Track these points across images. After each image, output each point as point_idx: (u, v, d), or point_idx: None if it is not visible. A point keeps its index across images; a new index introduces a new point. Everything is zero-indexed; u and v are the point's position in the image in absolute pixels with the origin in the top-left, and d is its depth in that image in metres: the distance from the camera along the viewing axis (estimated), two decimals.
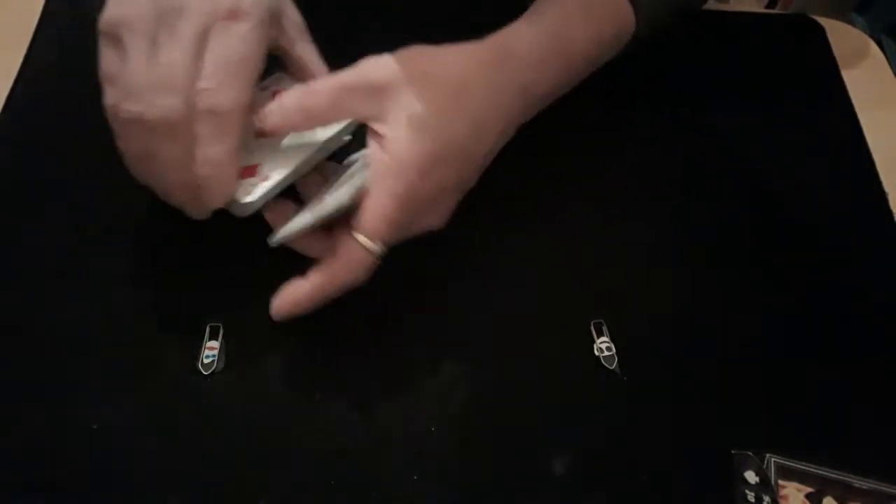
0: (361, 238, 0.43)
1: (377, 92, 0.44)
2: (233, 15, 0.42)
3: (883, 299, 0.51)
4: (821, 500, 0.43)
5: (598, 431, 0.46)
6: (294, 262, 0.45)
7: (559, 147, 0.55)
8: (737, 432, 0.45)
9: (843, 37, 0.65)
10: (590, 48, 0.52)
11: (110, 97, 0.42)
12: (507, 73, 0.48)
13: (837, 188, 0.56)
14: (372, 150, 0.44)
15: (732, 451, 0.45)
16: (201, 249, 0.50)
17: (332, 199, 0.44)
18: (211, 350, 0.47)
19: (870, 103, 0.60)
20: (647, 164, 0.57)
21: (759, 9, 0.71)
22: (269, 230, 0.46)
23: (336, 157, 0.48)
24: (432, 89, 0.45)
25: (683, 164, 0.57)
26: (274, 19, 0.45)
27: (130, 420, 0.44)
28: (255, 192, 0.45)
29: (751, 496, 0.43)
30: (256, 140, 0.45)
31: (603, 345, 0.48)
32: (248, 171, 0.45)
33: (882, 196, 0.55)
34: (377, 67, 0.44)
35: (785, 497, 0.43)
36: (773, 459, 0.44)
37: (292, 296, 0.45)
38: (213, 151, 0.42)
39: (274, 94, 0.48)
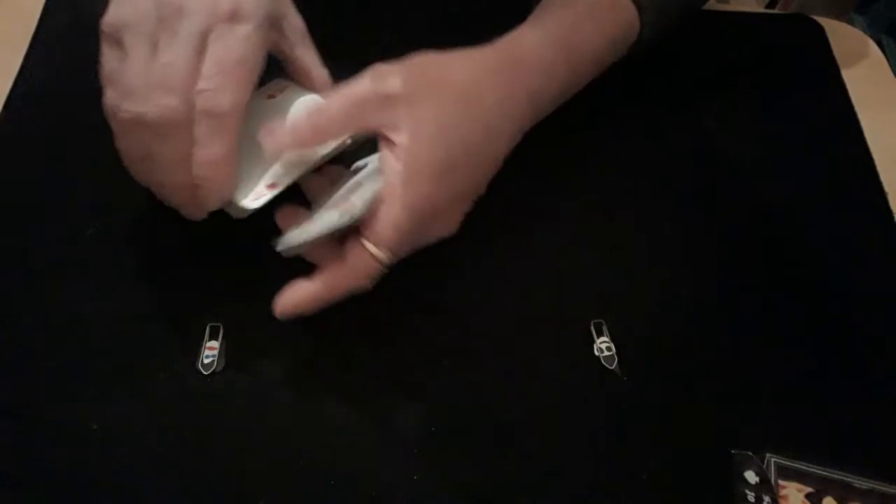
0: (371, 246, 0.43)
1: (389, 102, 0.43)
2: (233, 17, 0.42)
3: (883, 299, 0.51)
4: (821, 500, 0.43)
5: (598, 431, 0.46)
6: (294, 261, 0.45)
7: (559, 147, 0.55)
8: (737, 432, 0.45)
9: (843, 37, 0.65)
10: (596, 52, 0.52)
11: (110, 97, 0.42)
12: (517, 79, 0.48)
13: (837, 188, 0.56)
14: (384, 158, 0.44)
15: (732, 451, 0.45)
16: (201, 249, 0.50)
17: (343, 210, 0.43)
18: (211, 350, 0.47)
19: (870, 103, 0.60)
20: (648, 164, 0.57)
21: (759, 9, 0.71)
22: (270, 230, 0.45)
23: (339, 159, 0.48)
24: (444, 98, 0.45)
25: (683, 164, 0.57)
26: (274, 23, 0.45)
27: (130, 420, 0.44)
28: (259, 199, 0.45)
29: (751, 496, 0.43)
30: (256, 140, 0.45)
31: (603, 345, 0.48)
32: (252, 179, 0.45)
33: (882, 196, 0.55)
34: (387, 77, 0.44)
35: (785, 497, 0.43)
36: (773, 459, 0.44)
37: (296, 297, 0.45)
38: (210, 152, 0.42)
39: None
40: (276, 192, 0.45)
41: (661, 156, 0.57)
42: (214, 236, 0.50)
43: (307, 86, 0.49)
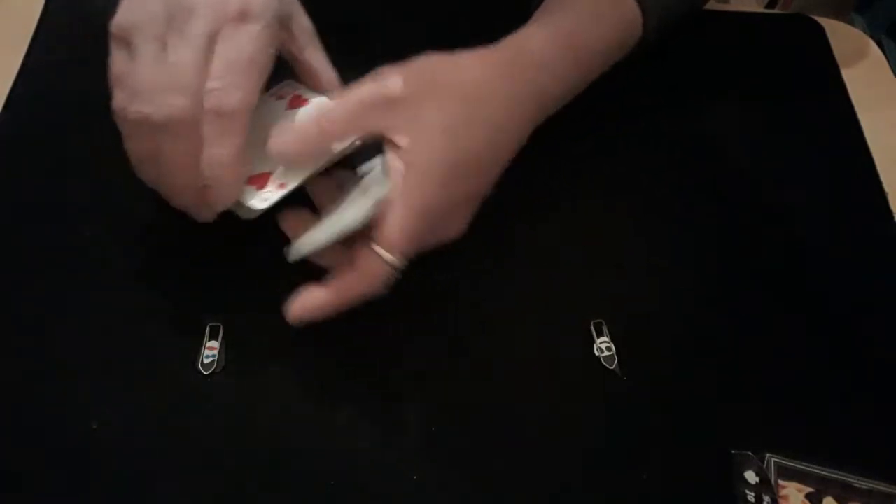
0: (382, 251, 0.43)
1: (394, 105, 0.43)
2: (242, 17, 0.42)
3: (883, 299, 0.51)
4: (821, 500, 0.43)
5: (598, 431, 0.46)
6: (295, 262, 0.45)
7: (559, 147, 0.55)
8: (737, 432, 0.45)
9: (843, 37, 0.65)
10: (601, 51, 0.52)
11: (119, 98, 0.42)
12: (523, 79, 0.48)
13: (837, 188, 0.56)
14: (391, 161, 0.44)
15: (732, 451, 0.45)
16: (201, 250, 0.50)
17: (352, 214, 0.43)
18: (211, 350, 0.47)
19: (870, 103, 0.60)
20: (648, 164, 0.57)
21: (759, 9, 0.71)
22: (270, 231, 0.46)
23: (345, 162, 0.48)
24: (450, 99, 0.45)
25: (683, 164, 0.57)
26: (283, 23, 0.45)
27: (130, 420, 0.44)
28: (268, 199, 0.45)
29: (751, 496, 0.43)
30: (265, 142, 0.45)
31: (603, 345, 0.48)
32: (260, 180, 0.45)
33: (882, 196, 0.55)
34: (391, 80, 0.44)
35: (785, 497, 0.43)
36: (773, 459, 0.44)
37: (308, 304, 0.44)
38: (219, 152, 0.42)
39: (292, 102, 0.48)
40: (284, 192, 0.45)
41: (660, 156, 0.57)
42: (215, 236, 0.50)
43: (316, 87, 0.49)
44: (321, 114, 0.44)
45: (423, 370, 0.47)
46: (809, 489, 0.43)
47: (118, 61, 0.42)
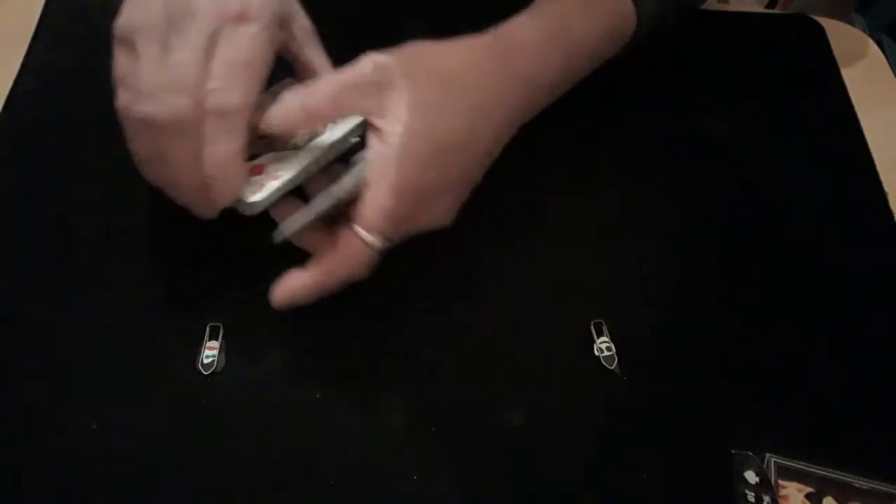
0: (360, 231, 0.43)
1: (376, 87, 0.44)
2: (241, 17, 0.42)
3: (883, 299, 0.51)
4: (821, 500, 0.43)
5: (598, 431, 0.46)
6: (294, 262, 0.45)
7: (559, 147, 0.55)
8: (737, 432, 0.45)
9: (843, 37, 0.65)
10: (591, 41, 0.52)
11: (122, 98, 0.43)
12: (508, 64, 0.48)
13: (837, 188, 0.56)
14: (371, 143, 0.44)
15: (732, 451, 0.45)
16: (201, 249, 0.50)
17: (333, 191, 0.44)
18: (211, 350, 0.47)
19: (870, 103, 0.60)
20: (647, 164, 0.57)
21: (759, 9, 0.71)
22: (270, 230, 0.45)
23: (344, 160, 0.48)
24: (430, 82, 0.45)
25: (683, 164, 0.57)
26: (283, 23, 0.46)
27: (130, 420, 0.44)
28: (263, 191, 0.45)
29: (751, 496, 0.43)
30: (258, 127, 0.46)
31: (603, 345, 0.48)
32: (256, 170, 0.45)
33: (882, 196, 0.55)
34: (375, 63, 0.44)
35: (785, 497, 0.43)
36: (773, 459, 0.44)
37: (290, 286, 0.45)
38: (220, 150, 0.42)
39: None
40: (280, 182, 0.46)
41: (660, 156, 0.57)
42: (215, 236, 0.50)
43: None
44: (305, 92, 0.45)
45: (424, 370, 0.47)
46: (809, 489, 0.43)
47: (122, 62, 0.43)
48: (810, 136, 0.59)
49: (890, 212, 0.55)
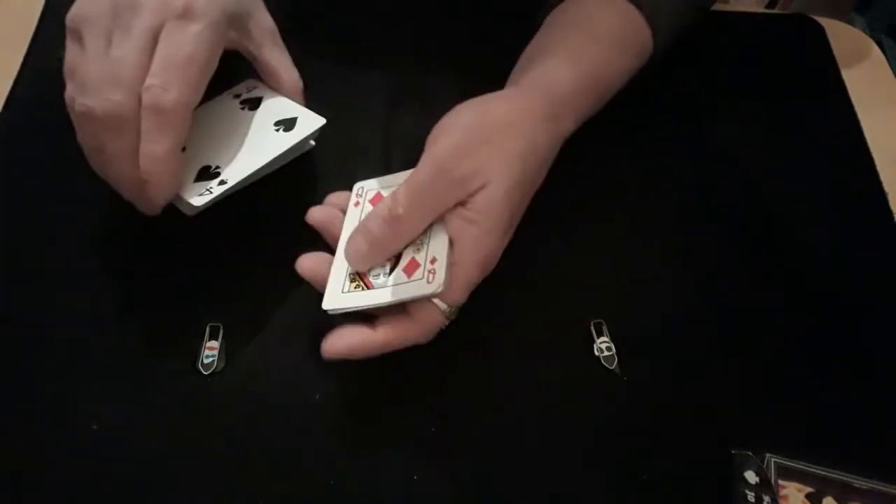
0: (442, 304, 0.43)
1: (461, 183, 0.43)
2: (185, 14, 0.42)
3: (883, 299, 0.51)
4: (821, 500, 0.43)
5: (598, 431, 0.46)
6: (294, 261, 0.45)
7: (559, 147, 0.55)
8: (737, 432, 0.45)
9: (843, 37, 0.65)
10: (620, 82, 0.53)
11: (69, 90, 0.43)
12: (560, 122, 0.49)
13: (837, 188, 0.56)
14: (453, 223, 0.44)
15: (732, 451, 0.45)
16: (201, 250, 0.50)
17: (427, 287, 0.42)
18: (211, 350, 0.47)
19: (870, 103, 0.60)
20: (647, 164, 0.57)
21: (759, 9, 0.71)
22: (271, 231, 0.46)
23: (302, 159, 0.48)
24: (512, 155, 0.45)
25: (683, 164, 0.57)
26: (235, 22, 0.45)
27: (130, 420, 0.44)
28: (207, 194, 0.45)
29: (751, 496, 0.43)
30: (216, 140, 0.46)
31: (603, 345, 0.48)
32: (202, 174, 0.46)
33: (882, 196, 0.55)
34: (450, 157, 0.43)
35: (785, 497, 0.43)
36: (773, 459, 0.44)
37: (351, 342, 0.44)
38: (155, 148, 0.42)
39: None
40: (224, 188, 0.46)
41: (660, 156, 0.57)
42: (214, 236, 0.50)
43: (277, 87, 0.50)
44: (390, 218, 0.43)
45: (424, 370, 0.47)
46: (809, 489, 0.43)
47: (71, 54, 0.43)
48: (810, 136, 0.59)
49: (890, 212, 0.55)
